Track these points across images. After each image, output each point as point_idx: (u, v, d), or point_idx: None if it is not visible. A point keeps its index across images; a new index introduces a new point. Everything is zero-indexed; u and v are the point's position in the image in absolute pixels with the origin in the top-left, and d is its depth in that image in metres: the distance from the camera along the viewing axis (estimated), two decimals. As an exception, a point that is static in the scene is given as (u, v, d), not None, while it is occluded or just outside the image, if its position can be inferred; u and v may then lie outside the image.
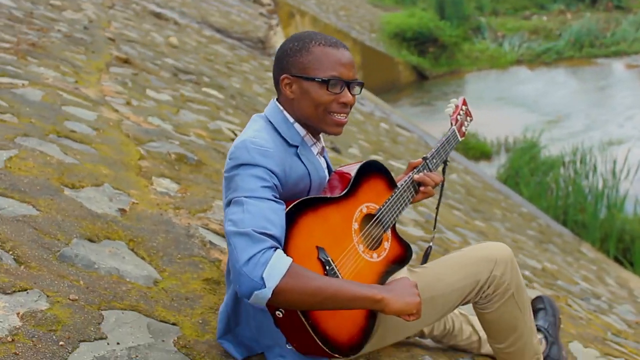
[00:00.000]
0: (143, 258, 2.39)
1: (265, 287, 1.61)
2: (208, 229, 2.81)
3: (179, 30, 10.05)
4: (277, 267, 1.63)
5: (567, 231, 10.44)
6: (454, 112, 2.49)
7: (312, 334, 1.78)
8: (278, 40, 13.37)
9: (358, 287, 1.75)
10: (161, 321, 2.02)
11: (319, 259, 1.83)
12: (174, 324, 2.04)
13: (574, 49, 24.99)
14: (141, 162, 3.36)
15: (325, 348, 1.81)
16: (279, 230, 1.72)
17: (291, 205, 1.83)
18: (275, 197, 1.80)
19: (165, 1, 12.04)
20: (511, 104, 20.05)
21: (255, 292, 1.62)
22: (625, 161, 12.29)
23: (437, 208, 2.47)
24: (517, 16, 30.88)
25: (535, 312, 2.74)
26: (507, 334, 2.18)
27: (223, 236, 2.81)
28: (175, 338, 1.97)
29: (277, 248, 1.67)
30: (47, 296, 1.90)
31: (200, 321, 2.11)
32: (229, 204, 1.80)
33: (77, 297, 1.95)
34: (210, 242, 2.68)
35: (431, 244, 2.36)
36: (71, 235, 2.31)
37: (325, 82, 1.91)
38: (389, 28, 25.99)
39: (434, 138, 12.51)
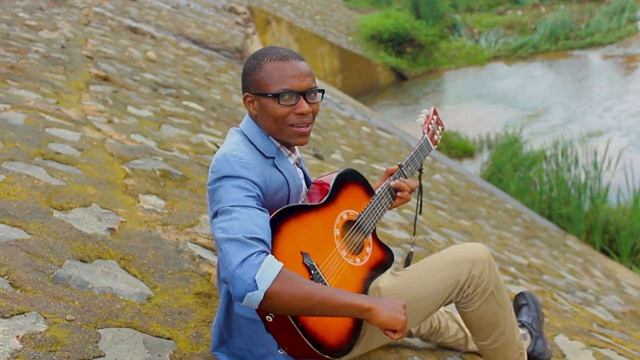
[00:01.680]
0: (135, 275, 2.44)
1: (257, 289, 1.68)
2: (196, 244, 2.87)
3: (156, 44, 10.08)
4: (268, 270, 1.69)
5: (552, 225, 10.55)
6: (425, 122, 2.57)
7: (302, 336, 1.85)
8: (255, 48, 13.41)
9: (347, 295, 1.81)
10: (156, 336, 2.08)
11: (304, 264, 1.91)
12: (169, 338, 2.10)
13: (550, 42, 25.26)
14: (127, 181, 3.41)
15: (315, 350, 1.87)
16: (267, 235, 1.79)
17: (274, 214, 1.90)
18: (259, 206, 1.87)
19: (141, 15, 12.07)
20: (491, 100, 20.21)
21: (248, 294, 1.68)
22: (605, 152, 12.43)
23: (416, 214, 2.54)
24: (491, 12, 31.14)
25: (519, 308, 2.82)
26: (489, 330, 2.26)
27: (211, 250, 2.87)
28: (171, 352, 2.03)
29: (267, 252, 1.74)
30: (45, 318, 1.95)
31: (194, 334, 2.17)
32: (215, 215, 1.86)
33: (73, 317, 2.00)
34: (200, 257, 2.74)
35: (412, 248, 2.44)
36: (63, 257, 2.36)
37: (277, 96, 1.97)
38: (365, 30, 26.13)
39: (416, 139, 12.58)
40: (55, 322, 1.95)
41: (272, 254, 1.81)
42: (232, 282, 1.70)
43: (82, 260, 2.40)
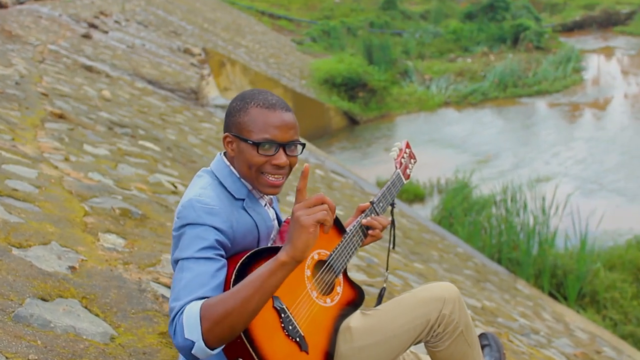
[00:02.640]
0: (97, 315, 2.40)
1: (194, 342, 1.69)
2: (159, 283, 2.84)
3: (111, 82, 10.04)
4: (191, 319, 1.70)
5: (502, 269, 10.68)
6: (398, 156, 2.58)
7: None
8: (210, 90, 13.46)
9: (263, 270, 1.77)
10: (121, 377, 2.05)
11: (274, 307, 1.89)
12: (134, 379, 2.07)
13: (499, 90, 25.81)
14: (86, 219, 3.37)
15: None
16: (211, 289, 1.79)
17: (243, 258, 1.89)
18: (217, 256, 1.86)
19: (96, 54, 12.00)
20: (441, 145, 20.49)
21: (193, 352, 1.70)
22: (553, 197, 12.68)
23: (389, 250, 2.55)
24: (442, 59, 31.76)
25: (481, 348, 2.84)
26: None
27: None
28: (137, 393, 2.00)
29: (188, 305, 1.74)
30: (6, 358, 1.91)
31: (160, 375, 2.15)
32: (175, 262, 1.87)
33: (36, 357, 1.96)
34: (163, 296, 2.71)
35: (384, 285, 2.44)
36: (24, 295, 2.32)
37: (257, 145, 1.96)
38: (318, 74, 26.36)
39: (368, 183, 12.70)
40: (18, 362, 1.90)
41: None
42: (180, 351, 1.75)
43: (43, 299, 2.35)
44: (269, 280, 1.74)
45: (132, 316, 2.47)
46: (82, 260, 2.80)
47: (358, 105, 25.44)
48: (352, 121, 24.94)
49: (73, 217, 3.31)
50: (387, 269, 2.58)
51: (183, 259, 1.82)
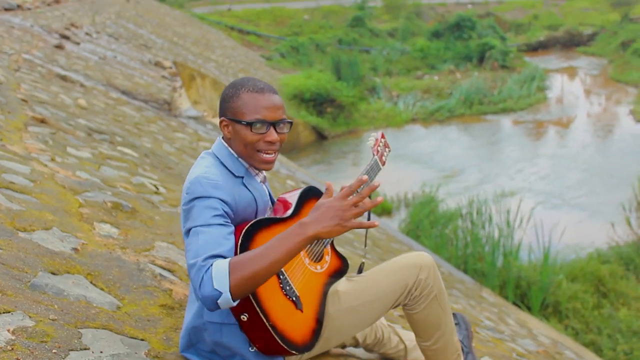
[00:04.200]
0: (102, 289, 2.61)
1: (222, 293, 1.90)
2: (155, 265, 3.05)
3: (85, 92, 10.17)
4: (220, 273, 1.92)
5: (468, 278, 10.95)
6: (374, 145, 2.86)
7: (272, 333, 2.07)
8: (183, 102, 13.64)
9: (289, 238, 1.99)
10: (131, 337, 2.26)
11: None
12: (142, 339, 2.28)
13: (465, 107, 26.25)
14: (81, 210, 3.56)
15: (283, 345, 2.10)
16: (227, 250, 2.01)
17: (248, 225, 2.13)
18: (226, 222, 2.09)
19: (69, 64, 12.12)
20: (408, 160, 20.80)
21: (219, 302, 1.91)
22: (517, 211, 13.01)
23: (366, 230, 2.81)
24: (409, 76, 32.23)
25: None
26: (432, 331, 2.52)
27: (170, 270, 3.06)
28: (146, 350, 2.21)
29: (215, 257, 1.96)
30: (30, 317, 2.11)
31: (165, 338, 2.36)
32: (187, 232, 2.08)
33: (56, 318, 2.17)
34: (160, 275, 2.93)
35: (364, 259, 2.69)
36: (36, 269, 2.52)
37: (250, 125, 2.22)
38: (287, 90, 26.58)
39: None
40: (41, 320, 2.11)
41: None
42: (203, 302, 1.93)
43: (53, 273, 2.56)
44: (295, 247, 1.97)
45: (134, 290, 2.68)
46: (83, 243, 3.00)
47: (326, 120, 25.69)
48: (321, 136, 25.18)
49: (69, 208, 3.50)
50: (365, 245, 2.85)
51: (196, 226, 2.03)
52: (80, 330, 2.16)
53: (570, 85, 31.50)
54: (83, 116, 7.78)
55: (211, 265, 1.93)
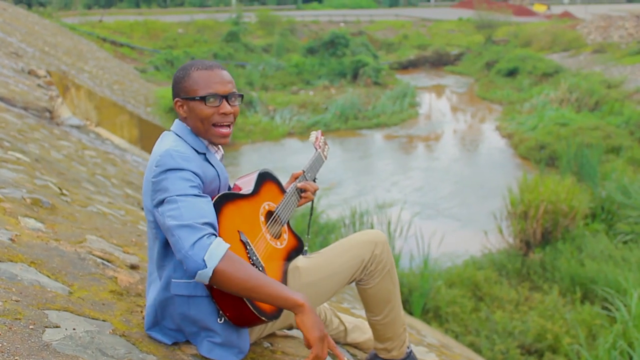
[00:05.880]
0: (48, 276, 2.58)
1: (206, 267, 1.97)
2: (94, 255, 3.04)
3: (-38, 97, 9.76)
4: (216, 251, 1.99)
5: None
6: (315, 141, 3.02)
7: (244, 300, 2.14)
8: (64, 110, 13.28)
9: (285, 288, 2.12)
10: (93, 319, 2.26)
11: (240, 240, 2.24)
12: (104, 320, 2.29)
13: (340, 121, 26.69)
14: (3, 205, 3.48)
15: (254, 311, 2.17)
16: (213, 219, 2.09)
17: (216, 197, 2.23)
18: (201, 194, 2.16)
19: (-59, 69, 11.59)
20: (286, 173, 20.55)
21: (199, 272, 1.97)
22: (398, 221, 13.43)
23: (311, 214, 2.94)
24: (285, 91, 32.46)
25: None
26: (383, 306, 2.66)
27: (108, 260, 3.05)
28: (111, 330, 2.22)
29: (216, 235, 2.03)
30: (-7, 298, 2.09)
31: (124, 319, 2.38)
32: (160, 202, 2.13)
33: (19, 299, 2.15)
34: (103, 263, 2.92)
35: (306, 247, 2.80)
36: (-20, 257, 2.47)
37: (203, 99, 2.31)
38: (164, 102, 26.23)
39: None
40: (6, 301, 2.09)
41: (217, 230, 2.11)
42: (185, 261, 1.99)
43: (-1, 261, 2.52)
44: (282, 296, 2.09)
45: (81, 277, 2.66)
46: (17, 235, 2.95)
47: (204, 133, 25.44)
48: (198, 149, 24.93)
49: (-10, 203, 3.42)
50: (308, 234, 2.97)
51: (173, 195, 2.08)
52: (44, 311, 2.15)
53: (438, 103, 32.66)
54: (-36, 121, 7.49)
55: (213, 236, 1.99)
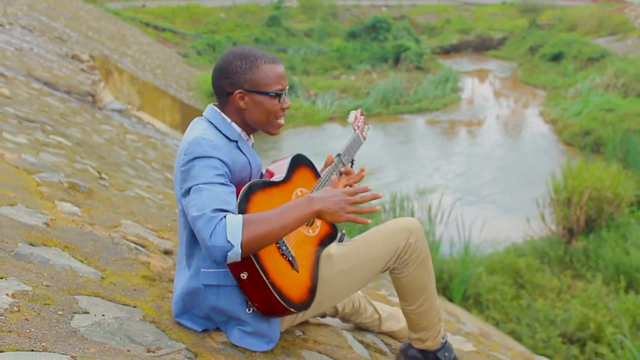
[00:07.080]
0: (81, 261, 2.59)
1: (233, 246, 1.94)
2: (128, 240, 3.04)
3: (7, 82, 9.89)
4: (234, 226, 1.97)
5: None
6: (355, 121, 2.96)
7: (272, 290, 2.12)
8: (106, 94, 13.41)
9: (299, 209, 2.10)
10: (123, 304, 2.26)
11: None
12: (134, 306, 2.28)
13: (382, 106, 26.53)
14: (40, 189, 3.50)
15: (282, 302, 2.14)
16: (232, 207, 2.06)
17: (245, 186, 2.19)
18: (227, 182, 2.14)
19: (-14, 54, 11.76)
20: (325, 158, 20.88)
21: (229, 254, 1.95)
22: (438, 206, 13.32)
23: None
24: (327, 76, 32.34)
25: None
26: (418, 295, 2.61)
27: (142, 245, 3.05)
28: (141, 317, 2.21)
29: (226, 214, 2.00)
30: (24, 282, 2.09)
31: (155, 306, 2.37)
32: (187, 192, 2.11)
33: (49, 284, 2.15)
34: (136, 248, 2.92)
35: (343, 231, 2.76)
36: (15, 240, 2.48)
37: (278, 95, 2.32)
38: (206, 87, 26.36)
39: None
40: (36, 286, 2.09)
41: None
42: (211, 252, 1.97)
43: (32, 245, 2.52)
44: (303, 217, 2.09)
45: (114, 262, 2.66)
46: (52, 219, 2.96)
47: (245, 118, 25.51)
48: (240, 134, 25.01)
49: (28, 186, 3.43)
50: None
51: (198, 184, 2.07)
52: (74, 296, 2.15)
53: (480, 88, 32.25)
54: (9, 105, 7.57)
55: (224, 217, 1.97)
